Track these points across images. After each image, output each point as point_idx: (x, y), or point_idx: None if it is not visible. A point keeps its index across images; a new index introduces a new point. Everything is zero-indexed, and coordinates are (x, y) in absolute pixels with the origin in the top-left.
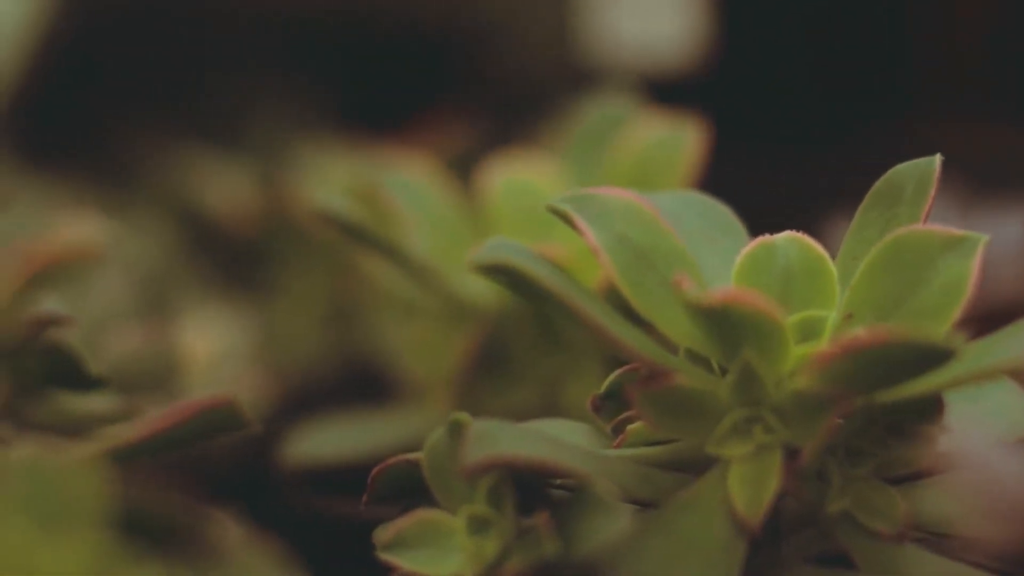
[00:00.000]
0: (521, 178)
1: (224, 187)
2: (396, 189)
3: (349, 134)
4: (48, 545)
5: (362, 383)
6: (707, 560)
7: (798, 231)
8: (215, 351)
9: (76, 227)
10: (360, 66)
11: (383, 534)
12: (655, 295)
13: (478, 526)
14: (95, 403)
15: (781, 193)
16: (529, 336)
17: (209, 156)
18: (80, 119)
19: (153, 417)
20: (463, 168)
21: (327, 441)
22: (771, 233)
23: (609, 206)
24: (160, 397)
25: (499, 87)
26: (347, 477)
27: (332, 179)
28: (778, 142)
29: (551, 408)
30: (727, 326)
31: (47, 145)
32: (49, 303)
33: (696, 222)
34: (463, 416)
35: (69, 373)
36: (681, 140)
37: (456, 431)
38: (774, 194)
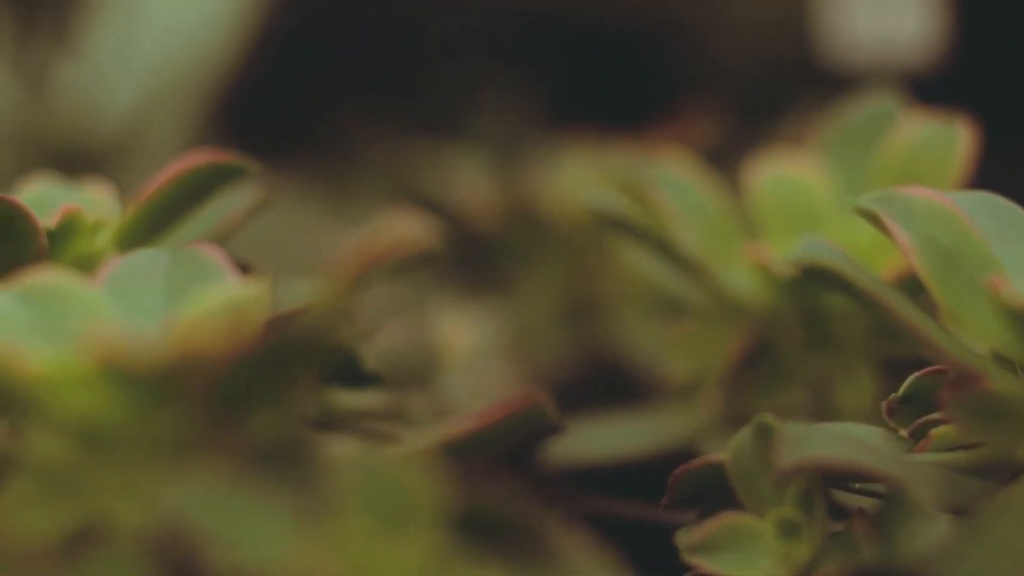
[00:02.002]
0: (789, 176)
1: (462, 181)
2: (664, 185)
3: (575, 129)
4: (388, 544)
5: (611, 380)
6: None
7: None
8: (469, 347)
9: (402, 223)
10: (586, 60)
11: (688, 537)
12: (962, 296)
13: (788, 530)
14: (366, 399)
15: None
16: (798, 336)
17: (440, 149)
18: (301, 111)
19: (470, 415)
20: (709, 164)
21: (592, 440)
22: None
23: (916, 206)
24: (422, 393)
25: (731, 84)
26: (610, 476)
27: (577, 174)
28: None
29: (820, 410)
30: None
31: (268, 138)
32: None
33: (990, 222)
34: (770, 418)
35: (347, 369)
36: (951, 139)
37: (763, 433)
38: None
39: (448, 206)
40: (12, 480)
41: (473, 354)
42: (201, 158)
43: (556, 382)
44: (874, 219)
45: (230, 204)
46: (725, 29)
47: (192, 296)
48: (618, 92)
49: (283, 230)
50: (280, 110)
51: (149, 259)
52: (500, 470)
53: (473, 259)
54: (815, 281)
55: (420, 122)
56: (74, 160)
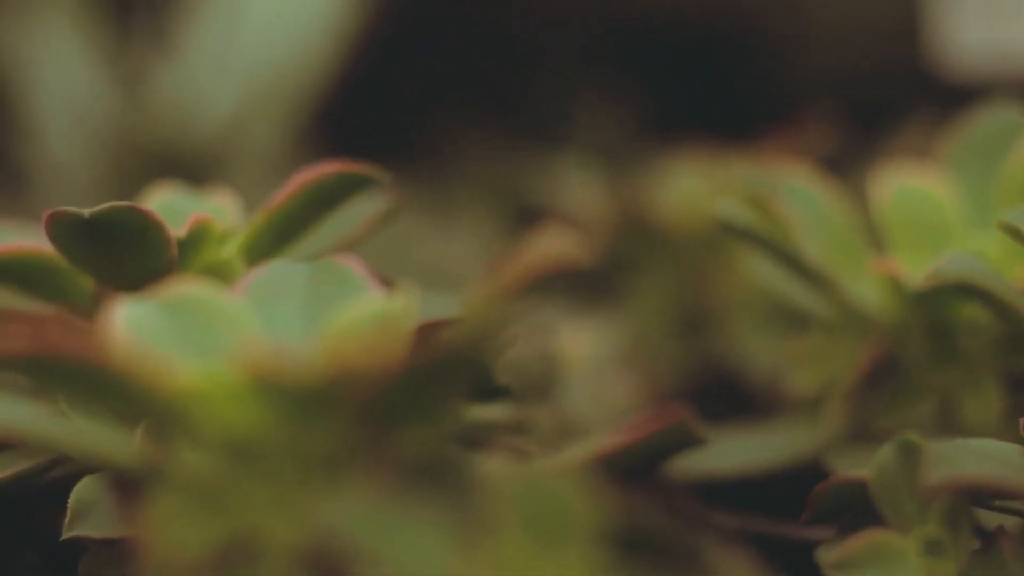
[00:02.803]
0: (916, 188)
1: (571, 190)
2: (788, 195)
3: (681, 138)
4: (546, 560)
5: (727, 391)
6: None
7: None
8: (587, 358)
9: (552, 237)
10: (689, 67)
11: (831, 554)
12: None
13: (933, 548)
14: (495, 412)
15: None
16: (925, 349)
17: (545, 159)
18: (401, 118)
19: (620, 431)
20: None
21: (718, 454)
22: None
23: None
24: (543, 405)
25: (838, 93)
26: (733, 490)
27: (689, 184)
28: None
29: (945, 425)
30: None
31: (367, 146)
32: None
33: None
34: (915, 436)
35: (479, 383)
36: None
37: (907, 450)
38: None
39: (558, 216)
40: (162, 494)
41: (590, 365)
42: (330, 167)
43: (674, 394)
44: (1017, 234)
45: (357, 214)
46: (831, 36)
47: (336, 309)
48: (722, 99)
49: (388, 240)
50: (379, 117)
51: (289, 270)
52: (642, 485)
53: (586, 269)
54: (954, 295)
55: (521, 131)
56: (171, 165)
